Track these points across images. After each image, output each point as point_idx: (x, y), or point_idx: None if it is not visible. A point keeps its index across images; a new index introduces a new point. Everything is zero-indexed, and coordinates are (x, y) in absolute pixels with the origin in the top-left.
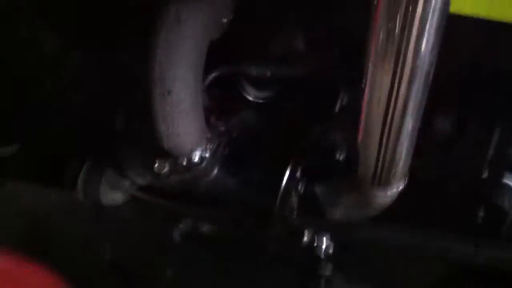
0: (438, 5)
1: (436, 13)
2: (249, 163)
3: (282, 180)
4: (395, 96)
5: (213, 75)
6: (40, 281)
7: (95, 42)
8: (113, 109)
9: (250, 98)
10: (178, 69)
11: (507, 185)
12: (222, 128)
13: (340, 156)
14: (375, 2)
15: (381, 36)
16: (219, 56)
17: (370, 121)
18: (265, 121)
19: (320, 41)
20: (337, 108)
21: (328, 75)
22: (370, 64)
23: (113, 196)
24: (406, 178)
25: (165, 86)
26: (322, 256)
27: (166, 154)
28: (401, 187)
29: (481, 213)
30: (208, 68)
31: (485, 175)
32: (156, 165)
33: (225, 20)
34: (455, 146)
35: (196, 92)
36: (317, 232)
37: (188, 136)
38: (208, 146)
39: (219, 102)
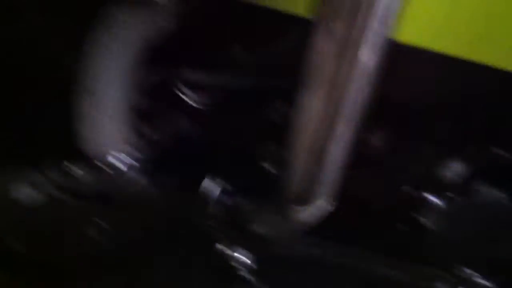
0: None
1: (373, 39)
2: (173, 171)
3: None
4: (325, 118)
5: (150, 78)
6: None
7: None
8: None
9: (191, 103)
10: (106, 70)
11: (432, 203)
12: (152, 133)
13: (271, 171)
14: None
15: (315, 59)
16: (160, 59)
17: (298, 140)
18: (202, 129)
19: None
20: (275, 122)
21: (268, 88)
22: (304, 86)
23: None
24: (334, 199)
25: (89, 86)
26: (237, 265)
27: (84, 155)
28: (326, 207)
29: (404, 231)
30: (147, 70)
31: (410, 192)
32: (72, 166)
33: (165, 24)
34: (381, 163)
35: (122, 95)
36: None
37: (109, 139)
38: (131, 151)
39: (156, 105)
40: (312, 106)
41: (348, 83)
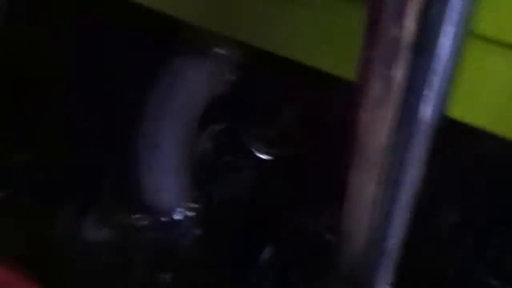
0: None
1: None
2: (231, 231)
3: (258, 258)
4: (379, 202)
5: (214, 128)
6: None
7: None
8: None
9: (258, 154)
10: (170, 122)
11: None
12: (212, 186)
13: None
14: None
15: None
16: (224, 108)
17: (351, 224)
18: (265, 182)
19: None
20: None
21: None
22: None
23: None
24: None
25: (153, 139)
26: None
27: (146, 208)
28: None
29: None
30: (210, 120)
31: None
32: (136, 216)
33: (230, 77)
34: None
35: (185, 148)
36: None
37: (171, 193)
38: (191, 205)
39: (220, 156)
40: (362, 188)
41: (406, 155)
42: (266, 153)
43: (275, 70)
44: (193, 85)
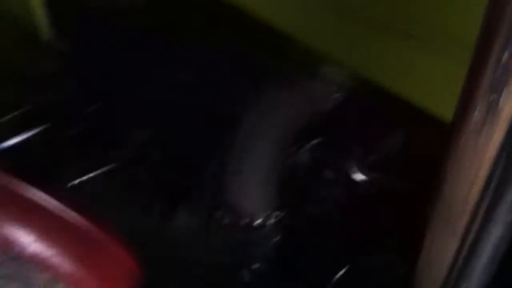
0: None
1: None
2: (309, 244)
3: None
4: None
5: (313, 143)
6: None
7: None
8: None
9: (351, 174)
10: (268, 132)
11: None
12: (299, 198)
13: None
14: None
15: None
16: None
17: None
18: (353, 203)
19: None
20: None
21: None
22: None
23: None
24: None
25: (247, 145)
26: None
27: (229, 208)
28: None
29: None
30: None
31: None
32: (219, 213)
33: (336, 97)
34: None
35: (279, 157)
36: None
37: (256, 198)
38: (273, 214)
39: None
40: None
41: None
42: (360, 175)
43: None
44: (297, 100)
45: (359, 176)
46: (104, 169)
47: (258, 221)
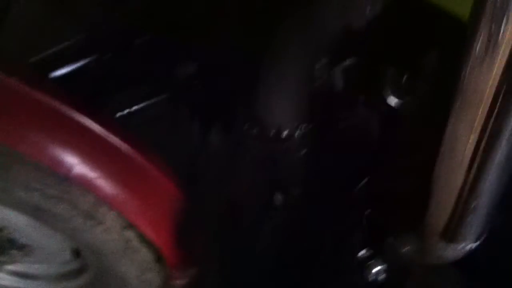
0: None
1: None
2: (334, 157)
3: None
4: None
5: (349, 62)
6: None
7: None
8: None
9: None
10: (299, 47)
11: None
12: (329, 115)
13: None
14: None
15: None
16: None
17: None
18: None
19: None
20: None
21: None
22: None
23: None
24: (484, 235)
25: (280, 60)
26: (369, 278)
27: (257, 120)
28: (476, 244)
29: None
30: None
31: None
32: (247, 124)
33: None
34: None
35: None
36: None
37: (281, 112)
38: (300, 127)
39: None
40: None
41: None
42: (396, 97)
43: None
44: (327, 14)
45: (392, 98)
46: (151, 100)
47: (286, 132)
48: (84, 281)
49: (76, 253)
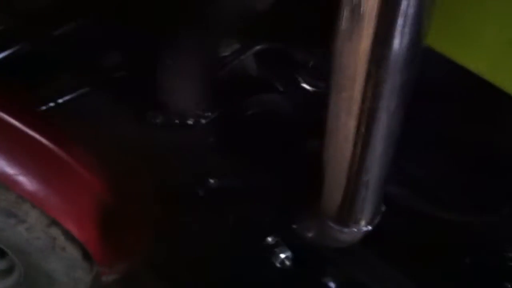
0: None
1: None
2: (242, 144)
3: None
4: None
5: (256, 48)
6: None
7: None
8: None
9: (304, 85)
10: (205, 28)
11: None
12: (236, 101)
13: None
14: None
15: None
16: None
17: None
18: (293, 111)
19: None
20: None
21: None
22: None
23: None
24: (378, 216)
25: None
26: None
27: (160, 108)
28: (371, 226)
29: None
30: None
31: None
32: (149, 113)
33: None
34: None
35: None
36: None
37: (184, 99)
38: (206, 114)
39: (264, 76)
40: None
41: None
42: (310, 84)
43: None
44: None
45: (310, 84)
46: (79, 91)
47: (190, 121)
48: (13, 281)
49: (3, 253)
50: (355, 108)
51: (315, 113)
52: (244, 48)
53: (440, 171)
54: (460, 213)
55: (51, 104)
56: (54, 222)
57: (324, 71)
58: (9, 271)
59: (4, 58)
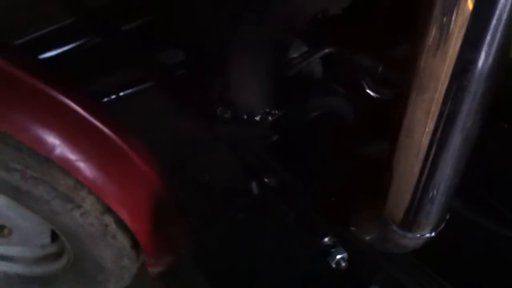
0: None
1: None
2: (305, 145)
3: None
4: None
5: (324, 51)
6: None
7: None
8: None
9: (370, 92)
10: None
11: None
12: (301, 102)
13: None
14: None
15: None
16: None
17: (405, 154)
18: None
19: None
20: None
21: None
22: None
23: None
24: (443, 223)
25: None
26: (333, 264)
27: (230, 104)
28: (435, 233)
29: None
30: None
31: None
32: (220, 109)
33: None
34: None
35: (267, 67)
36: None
37: (253, 96)
38: (272, 111)
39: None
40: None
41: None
42: (375, 91)
43: None
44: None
45: (367, 90)
46: (137, 87)
47: (258, 117)
48: (61, 265)
49: (54, 236)
50: (435, 110)
51: (377, 119)
52: (312, 51)
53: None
54: None
55: (113, 97)
56: (108, 210)
57: (390, 79)
58: (59, 254)
59: (72, 49)
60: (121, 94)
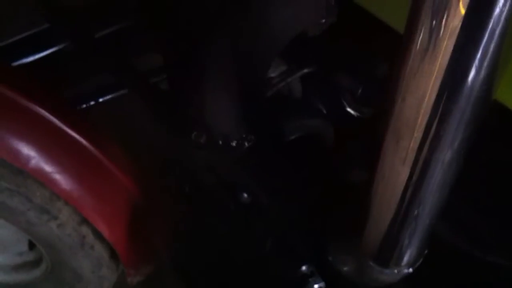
0: None
1: None
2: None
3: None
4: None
5: (303, 71)
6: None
7: None
8: None
9: (350, 111)
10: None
11: None
12: (280, 124)
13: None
14: None
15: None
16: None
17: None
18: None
19: None
20: None
21: None
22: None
23: None
24: (421, 259)
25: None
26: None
27: (204, 128)
28: (412, 269)
29: None
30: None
31: None
32: (194, 133)
33: (323, 21)
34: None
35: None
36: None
37: (229, 120)
38: (248, 137)
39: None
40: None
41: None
42: (356, 110)
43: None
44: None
45: (347, 109)
46: (113, 94)
47: (233, 143)
48: (39, 274)
49: (32, 244)
50: (411, 152)
51: (359, 140)
52: (291, 70)
53: (484, 210)
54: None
55: (91, 103)
56: (85, 221)
57: (370, 98)
58: (36, 263)
59: (48, 55)
60: (99, 100)
